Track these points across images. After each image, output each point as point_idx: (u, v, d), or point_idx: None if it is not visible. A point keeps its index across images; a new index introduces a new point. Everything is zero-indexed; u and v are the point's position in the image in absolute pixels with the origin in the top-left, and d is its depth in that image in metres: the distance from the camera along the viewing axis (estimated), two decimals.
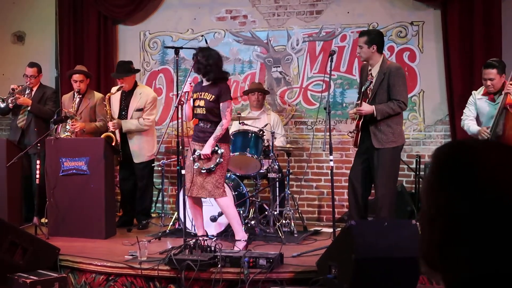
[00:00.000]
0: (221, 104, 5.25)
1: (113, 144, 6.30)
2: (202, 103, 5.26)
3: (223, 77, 5.37)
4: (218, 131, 5.21)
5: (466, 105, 5.84)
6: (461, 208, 1.07)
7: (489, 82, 5.51)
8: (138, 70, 6.78)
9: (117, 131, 6.41)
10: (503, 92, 5.45)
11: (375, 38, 5.52)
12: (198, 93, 5.34)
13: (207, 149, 5.17)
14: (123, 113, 6.57)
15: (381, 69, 5.46)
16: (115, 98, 6.56)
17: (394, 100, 5.38)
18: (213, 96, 5.23)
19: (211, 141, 5.18)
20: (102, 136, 6.32)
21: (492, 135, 5.39)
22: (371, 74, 5.54)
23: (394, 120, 5.45)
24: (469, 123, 5.70)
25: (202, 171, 5.21)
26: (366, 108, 5.38)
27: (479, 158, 1.10)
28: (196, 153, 5.23)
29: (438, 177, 1.12)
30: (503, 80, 5.53)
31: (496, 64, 5.53)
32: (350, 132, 5.78)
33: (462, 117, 5.88)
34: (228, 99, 5.29)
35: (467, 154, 1.11)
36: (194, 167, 5.23)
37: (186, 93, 5.28)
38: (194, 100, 5.35)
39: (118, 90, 6.47)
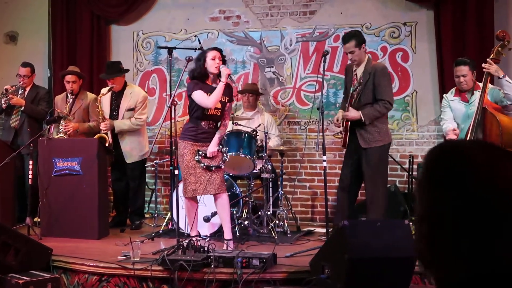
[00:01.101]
0: (228, 104, 5.42)
1: (106, 145, 6.29)
2: (219, 105, 5.29)
3: None
4: (223, 131, 5.44)
5: (441, 109, 5.84)
6: (450, 208, 1.08)
7: (462, 79, 5.52)
8: (127, 70, 6.76)
9: (108, 132, 6.40)
10: (475, 92, 5.46)
11: (361, 38, 5.59)
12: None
13: (214, 147, 5.30)
14: (114, 114, 6.55)
15: (366, 69, 5.52)
16: (105, 99, 6.53)
17: (380, 101, 5.45)
18: (227, 97, 5.36)
19: (217, 140, 5.34)
20: (95, 137, 6.30)
21: (474, 136, 5.36)
22: (356, 74, 5.59)
23: (380, 119, 5.52)
24: (446, 127, 5.67)
25: (212, 168, 5.28)
26: (353, 114, 5.45)
27: (469, 159, 1.10)
28: (200, 153, 5.26)
29: (428, 177, 1.14)
30: (474, 78, 5.54)
31: (467, 61, 5.56)
32: (338, 133, 5.81)
33: (440, 122, 5.88)
34: (233, 99, 5.57)
35: (457, 155, 1.12)
36: (200, 166, 5.26)
37: (229, 75, 5.21)
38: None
39: (108, 91, 6.43)
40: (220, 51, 5.37)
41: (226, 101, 5.34)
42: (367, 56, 5.63)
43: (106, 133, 6.36)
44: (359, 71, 5.56)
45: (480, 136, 5.32)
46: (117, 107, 6.55)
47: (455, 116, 5.66)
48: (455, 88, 5.69)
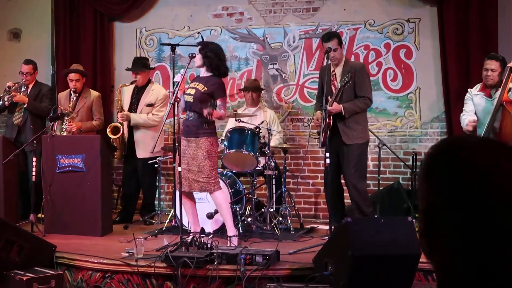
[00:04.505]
0: (217, 101, 5.28)
1: (120, 134, 6.37)
2: (192, 91, 5.29)
3: (226, 74, 5.45)
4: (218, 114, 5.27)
5: (464, 102, 5.87)
6: (447, 201, 1.09)
7: (489, 72, 5.55)
8: (153, 68, 6.92)
9: (125, 124, 6.47)
10: (499, 89, 5.47)
11: (340, 38, 5.79)
12: (192, 83, 5.41)
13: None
14: (133, 107, 6.65)
15: (345, 68, 5.67)
16: (127, 92, 6.65)
17: (361, 97, 5.63)
18: (206, 89, 5.25)
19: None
20: (110, 126, 6.43)
21: (490, 130, 5.41)
22: (334, 74, 5.71)
23: (362, 118, 5.74)
24: (464, 118, 5.71)
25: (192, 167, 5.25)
26: (335, 107, 5.56)
27: (467, 153, 1.11)
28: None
29: (427, 170, 1.15)
30: (501, 76, 5.57)
31: (500, 57, 5.64)
32: (316, 133, 5.85)
33: (461, 114, 5.90)
34: (223, 96, 5.35)
35: (456, 149, 1.12)
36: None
37: (178, 83, 5.17)
38: (186, 89, 5.41)
39: (131, 83, 6.58)
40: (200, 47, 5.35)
41: (202, 91, 5.23)
42: (344, 57, 5.82)
43: (121, 124, 6.42)
44: (338, 70, 5.71)
45: (496, 130, 5.40)
46: (137, 102, 6.67)
47: (476, 111, 5.72)
48: (481, 83, 5.71)
